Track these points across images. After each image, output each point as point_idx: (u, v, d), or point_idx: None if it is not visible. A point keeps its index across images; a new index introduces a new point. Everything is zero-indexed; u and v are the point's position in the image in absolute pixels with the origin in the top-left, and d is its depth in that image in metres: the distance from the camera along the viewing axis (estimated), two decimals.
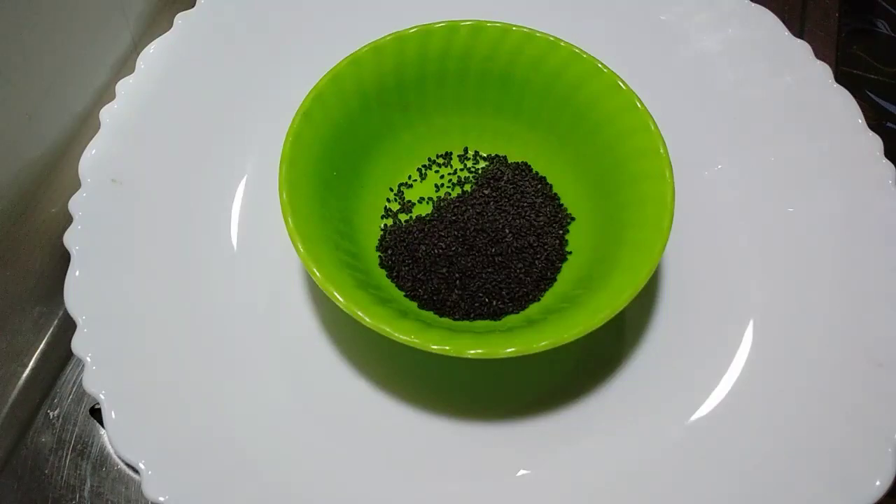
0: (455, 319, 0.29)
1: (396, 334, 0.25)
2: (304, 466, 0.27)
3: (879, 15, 0.33)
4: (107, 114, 0.31)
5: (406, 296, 0.29)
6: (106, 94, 0.33)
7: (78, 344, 0.27)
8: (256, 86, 0.34)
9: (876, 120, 0.32)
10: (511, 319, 0.29)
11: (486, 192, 0.31)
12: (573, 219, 0.31)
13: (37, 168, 0.30)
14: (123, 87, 0.32)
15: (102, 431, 0.31)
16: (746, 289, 0.30)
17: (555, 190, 0.32)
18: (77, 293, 0.28)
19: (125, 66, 0.34)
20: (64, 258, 0.29)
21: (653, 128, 0.28)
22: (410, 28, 0.30)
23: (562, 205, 0.31)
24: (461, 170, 0.33)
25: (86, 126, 0.32)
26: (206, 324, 0.29)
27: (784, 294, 0.30)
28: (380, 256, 0.30)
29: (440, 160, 0.33)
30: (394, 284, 0.29)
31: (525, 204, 0.31)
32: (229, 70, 0.34)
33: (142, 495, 0.25)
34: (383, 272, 0.30)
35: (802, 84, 0.33)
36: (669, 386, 0.28)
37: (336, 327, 0.30)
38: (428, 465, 0.27)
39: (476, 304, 0.29)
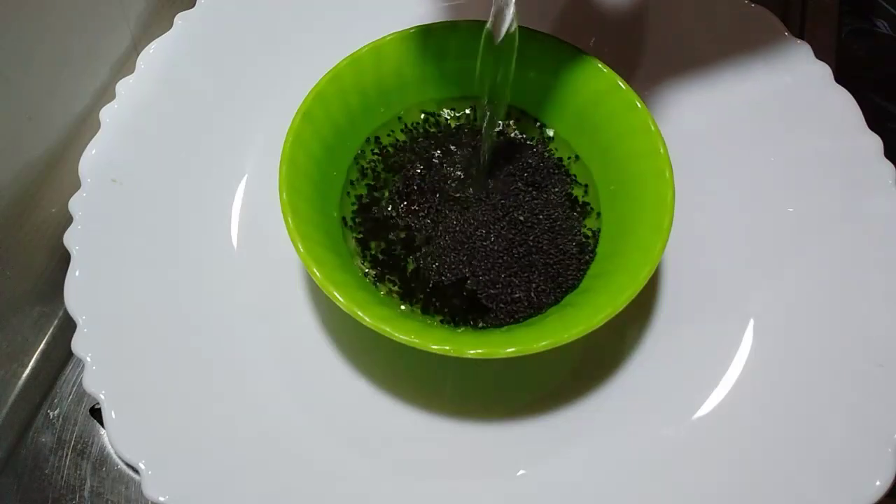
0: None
1: (396, 334, 0.25)
2: (303, 466, 0.27)
3: (879, 15, 0.33)
4: (107, 114, 0.31)
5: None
6: (106, 94, 0.33)
7: (78, 344, 0.27)
8: (256, 86, 0.34)
9: (876, 120, 0.32)
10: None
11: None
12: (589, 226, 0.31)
13: (37, 168, 0.30)
14: (123, 87, 0.32)
15: (102, 431, 0.31)
16: (746, 289, 0.30)
17: None
18: (77, 293, 0.28)
19: (125, 66, 0.34)
20: (64, 258, 0.29)
21: (653, 128, 0.28)
22: (410, 28, 0.30)
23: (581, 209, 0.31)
24: None
25: (86, 126, 0.32)
26: (206, 324, 0.29)
27: (784, 294, 0.30)
28: None
29: None
30: None
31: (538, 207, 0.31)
32: (229, 70, 0.34)
33: (142, 495, 0.25)
34: None
35: (802, 84, 0.33)
36: (669, 386, 0.28)
37: (336, 327, 0.30)
38: (428, 465, 0.27)
39: (478, 308, 0.29)
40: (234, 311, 0.29)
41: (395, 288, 0.29)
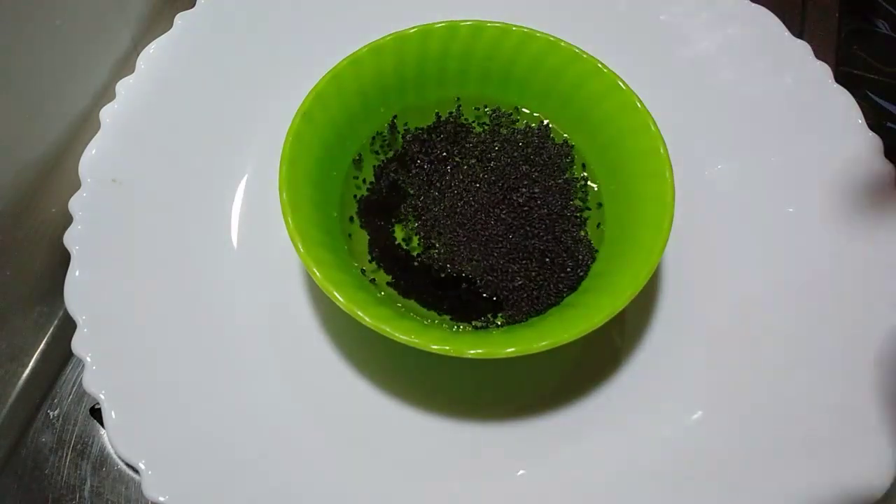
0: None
1: (396, 334, 0.25)
2: (303, 466, 0.27)
3: (879, 15, 0.33)
4: (107, 114, 0.31)
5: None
6: (106, 94, 0.33)
7: (78, 344, 0.27)
8: (256, 86, 0.34)
9: (876, 120, 0.32)
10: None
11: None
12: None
13: (37, 168, 0.30)
14: (123, 87, 0.32)
15: (102, 431, 0.31)
16: (746, 289, 0.30)
17: None
18: (77, 293, 0.28)
19: (125, 66, 0.34)
20: (64, 258, 0.29)
21: (653, 128, 0.28)
22: (410, 28, 0.30)
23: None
24: None
25: (86, 126, 0.32)
26: (206, 324, 0.29)
27: (784, 294, 0.30)
28: None
29: None
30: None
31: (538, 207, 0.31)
32: (229, 70, 0.34)
33: (142, 495, 0.26)
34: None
35: (802, 84, 0.33)
36: (669, 385, 0.28)
37: (336, 327, 0.30)
38: (428, 465, 0.27)
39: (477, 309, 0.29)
40: (234, 311, 0.29)
41: (393, 277, 0.29)
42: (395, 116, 0.32)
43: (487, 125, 0.32)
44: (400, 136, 0.32)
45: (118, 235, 0.30)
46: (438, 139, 0.31)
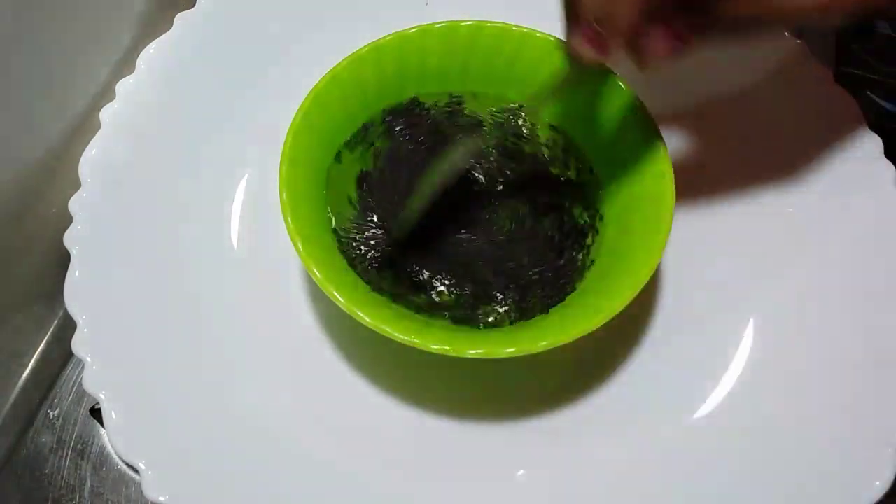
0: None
1: (396, 334, 0.25)
2: (303, 466, 0.27)
3: None
4: (107, 114, 0.31)
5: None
6: (106, 94, 0.33)
7: (78, 344, 0.27)
8: (256, 85, 0.34)
9: (876, 120, 0.32)
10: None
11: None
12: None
13: (37, 168, 0.30)
14: (123, 87, 0.32)
15: (102, 431, 0.31)
16: (746, 289, 0.30)
17: None
18: (77, 293, 0.28)
19: (125, 66, 0.34)
20: (64, 258, 0.29)
21: (653, 128, 0.28)
22: (410, 28, 0.30)
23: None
24: None
25: (86, 126, 0.32)
26: (206, 324, 0.29)
27: (784, 294, 0.30)
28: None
29: None
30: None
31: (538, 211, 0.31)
32: (229, 70, 0.34)
33: (142, 495, 0.26)
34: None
35: (802, 84, 0.33)
36: (669, 386, 0.28)
37: (336, 327, 0.30)
38: (428, 465, 0.27)
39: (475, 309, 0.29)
40: (234, 311, 0.29)
41: (393, 276, 0.29)
42: (394, 116, 0.32)
43: (486, 122, 0.32)
44: (385, 127, 0.32)
45: (118, 235, 0.30)
46: (425, 122, 0.31)
